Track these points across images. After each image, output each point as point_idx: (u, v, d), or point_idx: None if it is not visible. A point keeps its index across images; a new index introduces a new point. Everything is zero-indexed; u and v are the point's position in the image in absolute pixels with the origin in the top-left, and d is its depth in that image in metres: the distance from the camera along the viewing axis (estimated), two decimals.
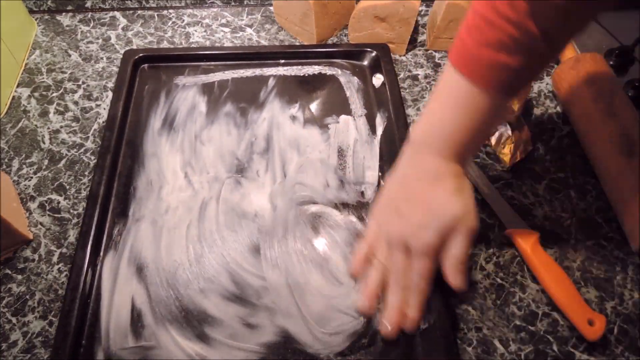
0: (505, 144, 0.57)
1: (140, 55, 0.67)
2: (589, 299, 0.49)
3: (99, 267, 0.49)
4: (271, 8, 0.77)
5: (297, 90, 0.65)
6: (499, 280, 0.50)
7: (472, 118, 0.42)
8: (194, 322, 0.46)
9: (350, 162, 0.58)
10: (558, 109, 0.65)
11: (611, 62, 0.68)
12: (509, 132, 0.57)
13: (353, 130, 0.61)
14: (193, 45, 0.72)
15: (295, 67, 0.67)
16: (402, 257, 0.45)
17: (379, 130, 0.61)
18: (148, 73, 0.67)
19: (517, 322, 0.47)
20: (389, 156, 0.57)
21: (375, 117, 0.62)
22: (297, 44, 0.73)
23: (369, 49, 0.68)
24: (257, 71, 0.67)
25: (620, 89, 0.59)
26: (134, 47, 0.71)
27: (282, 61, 0.68)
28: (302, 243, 0.51)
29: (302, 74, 0.67)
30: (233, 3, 0.78)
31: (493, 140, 0.58)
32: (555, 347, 0.46)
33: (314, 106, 0.63)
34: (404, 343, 0.45)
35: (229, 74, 0.67)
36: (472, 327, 0.47)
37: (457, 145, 0.44)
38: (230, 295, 0.47)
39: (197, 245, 0.51)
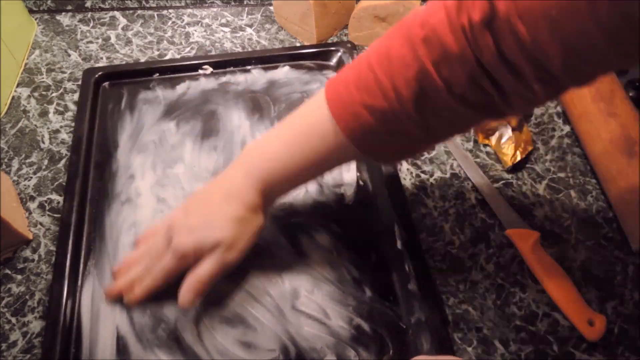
0: (505, 144, 0.57)
1: (100, 73, 0.64)
2: (589, 299, 0.49)
3: (78, 298, 0.47)
4: (271, 8, 0.77)
5: (268, 95, 0.64)
6: (499, 280, 0.50)
7: (312, 157, 0.41)
8: (184, 344, 0.44)
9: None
10: (558, 109, 0.64)
11: None
12: (509, 132, 0.57)
13: None
14: (193, 44, 0.72)
15: (263, 72, 0.66)
16: (163, 245, 0.44)
17: None
18: (111, 91, 0.64)
19: (517, 322, 0.47)
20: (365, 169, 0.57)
21: None
22: (297, 44, 0.73)
23: (334, 48, 0.67)
24: (224, 79, 0.65)
25: (620, 89, 0.59)
26: (134, 47, 0.71)
27: (249, 67, 0.66)
28: (281, 257, 0.50)
29: (271, 79, 0.65)
30: (233, 3, 0.78)
31: (493, 140, 0.58)
32: (555, 347, 0.46)
33: (285, 111, 0.62)
34: (395, 342, 0.45)
35: (195, 85, 0.65)
36: (472, 327, 0.47)
37: (274, 181, 0.42)
38: (219, 314, 0.46)
39: None
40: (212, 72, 0.66)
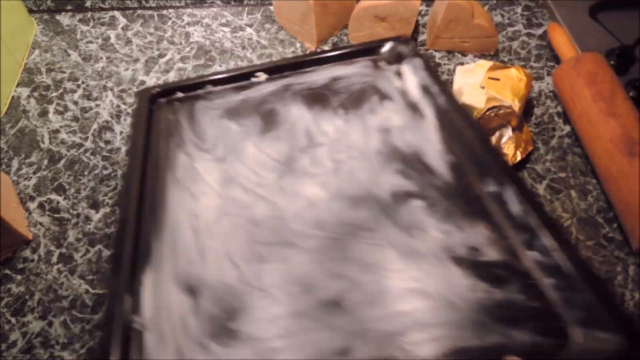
0: (505, 144, 0.57)
1: (157, 90, 0.62)
2: None
3: (138, 294, 0.43)
4: (271, 8, 0.77)
5: (327, 90, 0.62)
6: None
7: None
8: (252, 342, 0.40)
9: (401, 145, 0.54)
10: (558, 108, 0.64)
11: (612, 62, 0.68)
12: (509, 132, 0.57)
13: (397, 116, 0.58)
14: (193, 44, 0.72)
15: (314, 74, 0.64)
16: None
17: (428, 111, 0.57)
18: (166, 107, 0.62)
19: None
20: (448, 134, 0.54)
21: (418, 102, 0.58)
22: (297, 44, 0.73)
23: (388, 42, 0.64)
24: (279, 83, 0.63)
25: (621, 88, 0.59)
26: (134, 46, 0.71)
27: (307, 70, 0.64)
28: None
29: (330, 76, 0.64)
30: (233, 3, 0.78)
31: (493, 140, 0.58)
32: None
33: (347, 101, 0.60)
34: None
35: (252, 92, 0.63)
36: None
37: None
38: (301, 311, 0.41)
39: (252, 257, 0.45)
40: (266, 79, 0.64)
